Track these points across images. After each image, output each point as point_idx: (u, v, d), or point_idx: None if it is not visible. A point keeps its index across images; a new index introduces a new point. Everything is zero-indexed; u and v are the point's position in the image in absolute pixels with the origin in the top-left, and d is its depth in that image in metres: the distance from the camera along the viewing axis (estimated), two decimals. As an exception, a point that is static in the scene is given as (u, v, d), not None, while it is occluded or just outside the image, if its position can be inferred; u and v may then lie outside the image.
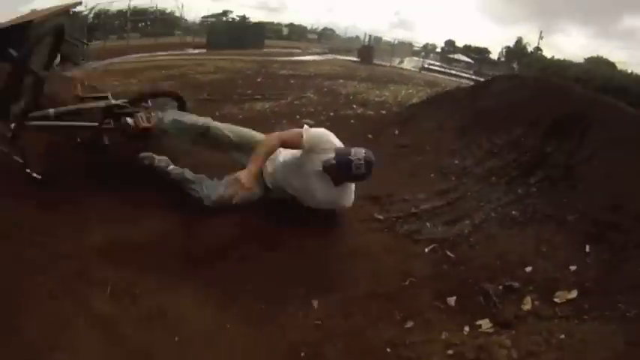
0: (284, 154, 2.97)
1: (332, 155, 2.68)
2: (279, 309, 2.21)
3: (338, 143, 2.84)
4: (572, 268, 2.41)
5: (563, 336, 1.89)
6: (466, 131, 4.28)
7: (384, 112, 6.38)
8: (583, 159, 3.20)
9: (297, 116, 6.19)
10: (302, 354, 1.93)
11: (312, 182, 2.82)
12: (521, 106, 4.14)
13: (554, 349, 1.83)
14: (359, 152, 2.63)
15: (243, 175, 2.54)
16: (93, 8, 32.80)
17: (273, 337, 2.04)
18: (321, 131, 2.91)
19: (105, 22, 35.28)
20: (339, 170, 2.68)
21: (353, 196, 2.95)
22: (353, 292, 2.36)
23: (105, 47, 26.87)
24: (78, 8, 26.82)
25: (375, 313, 2.19)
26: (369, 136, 4.84)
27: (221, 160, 3.33)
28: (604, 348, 1.81)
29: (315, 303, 2.25)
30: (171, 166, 3.08)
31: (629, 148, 3.05)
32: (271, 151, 2.79)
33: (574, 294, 2.22)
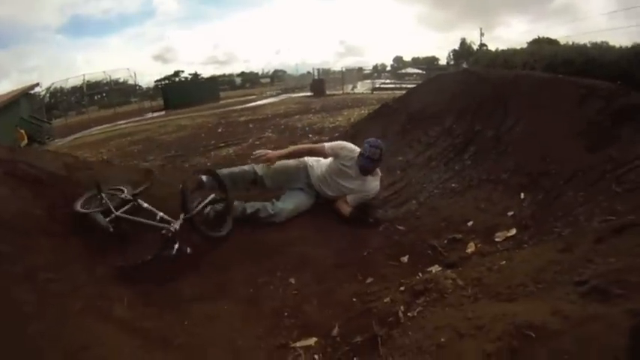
0: (323, 167, 3.54)
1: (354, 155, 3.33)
2: (264, 289, 2.46)
3: (355, 148, 3.38)
4: (510, 213, 2.70)
5: (504, 262, 2.09)
6: (405, 132, 4.66)
7: (337, 134, 6.75)
8: (508, 128, 3.60)
9: None
10: (285, 314, 2.18)
11: (344, 179, 3.37)
12: (450, 99, 4.61)
13: (496, 272, 2.02)
14: (372, 141, 3.27)
15: (271, 153, 3.41)
16: (49, 88, 33.28)
17: (261, 308, 2.28)
18: (340, 142, 3.57)
19: (62, 100, 36.49)
20: (362, 159, 3.25)
21: (378, 185, 3.41)
22: (322, 267, 2.59)
23: (67, 124, 27.40)
24: (34, 89, 27.17)
25: (342, 278, 2.42)
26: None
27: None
28: (539, 260, 2.03)
29: (292, 280, 2.49)
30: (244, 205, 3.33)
31: (546, 107, 3.48)
32: (298, 151, 3.59)
33: (513, 232, 2.48)
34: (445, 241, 2.55)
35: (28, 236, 2.68)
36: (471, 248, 2.42)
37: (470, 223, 2.71)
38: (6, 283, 2.21)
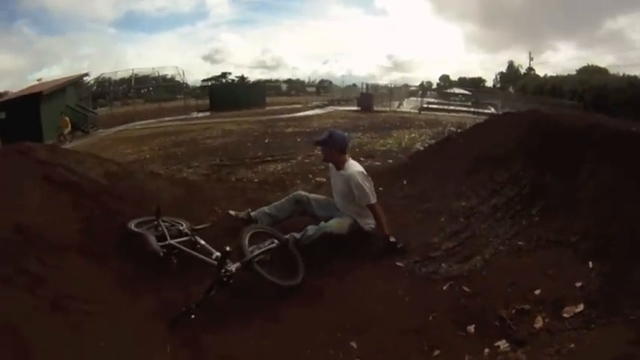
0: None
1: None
2: (321, 353, 2.57)
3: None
4: (578, 284, 2.79)
5: (572, 345, 2.23)
6: (469, 173, 4.78)
7: (390, 161, 6.92)
8: (580, 183, 3.65)
9: (310, 175, 6.81)
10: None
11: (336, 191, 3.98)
12: (518, 141, 4.67)
13: (565, 356, 2.18)
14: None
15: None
16: (97, 78, 36.04)
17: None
18: None
19: (109, 90, 39.18)
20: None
21: (357, 170, 3.84)
22: (387, 331, 2.74)
23: (112, 114, 29.51)
24: (83, 79, 28.93)
25: (408, 347, 2.56)
26: (380, 188, 5.30)
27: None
28: (610, 350, 2.15)
29: (353, 343, 2.62)
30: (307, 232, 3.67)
31: (622, 165, 3.50)
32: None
33: (581, 307, 2.58)
34: (513, 311, 2.69)
35: (61, 254, 2.57)
36: (539, 323, 2.54)
37: (537, 292, 2.82)
38: (25, 312, 1.98)
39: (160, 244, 2.94)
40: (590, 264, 2.90)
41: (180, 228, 3.30)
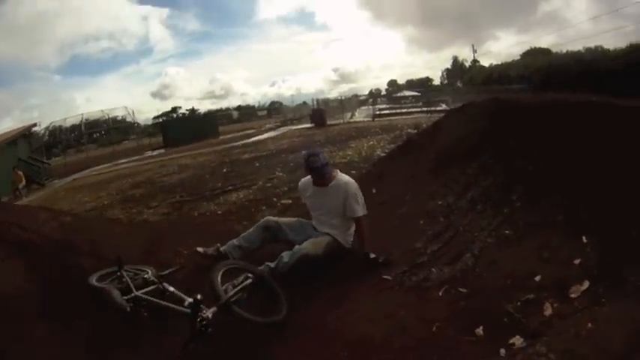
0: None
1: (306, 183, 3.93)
2: None
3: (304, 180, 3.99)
4: (577, 261, 2.70)
5: (590, 324, 2.10)
6: (438, 171, 4.71)
7: (354, 172, 6.82)
8: (553, 162, 3.63)
9: (274, 199, 6.68)
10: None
11: (316, 208, 3.87)
12: (482, 132, 4.66)
13: (586, 339, 2.04)
14: (308, 151, 3.82)
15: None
16: (48, 127, 35.67)
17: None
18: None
19: (61, 139, 38.76)
20: (310, 173, 3.78)
21: (349, 183, 3.76)
22: (389, 351, 2.54)
23: (66, 163, 28.93)
24: (33, 129, 28.20)
25: None
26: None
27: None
28: (629, 322, 2.04)
29: None
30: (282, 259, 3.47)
31: (590, 136, 3.51)
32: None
33: (586, 284, 2.48)
34: (518, 304, 2.55)
35: (19, 321, 2.42)
36: (548, 310, 2.42)
37: (537, 278, 2.71)
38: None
39: (125, 297, 2.71)
40: (584, 239, 2.83)
41: (146, 276, 3.07)
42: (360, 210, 3.68)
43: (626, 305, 2.15)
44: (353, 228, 3.78)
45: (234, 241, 3.80)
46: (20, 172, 18.18)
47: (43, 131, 33.70)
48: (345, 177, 3.82)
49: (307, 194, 3.94)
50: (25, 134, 25.02)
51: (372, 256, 3.55)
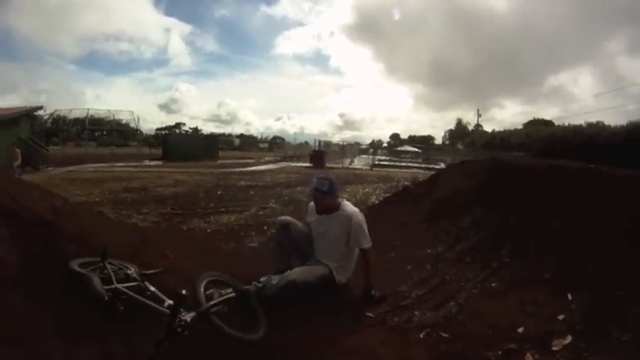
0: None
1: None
2: None
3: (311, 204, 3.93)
4: (561, 317, 2.75)
5: (570, 377, 2.13)
6: (431, 221, 4.81)
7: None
8: (545, 223, 3.74)
9: (265, 227, 6.69)
10: None
11: (319, 236, 3.75)
12: (478, 188, 4.81)
13: (565, 392, 2.06)
14: (320, 175, 3.79)
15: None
16: (52, 114, 35.37)
17: None
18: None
19: (63, 129, 39.07)
20: (312, 194, 3.71)
21: (353, 212, 3.71)
22: None
23: (64, 154, 28.99)
24: (38, 112, 28.03)
25: None
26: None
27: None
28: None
29: None
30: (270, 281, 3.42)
31: (584, 201, 3.66)
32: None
33: (569, 339, 2.52)
34: (499, 352, 2.57)
35: None
36: (529, 360, 2.45)
37: (520, 330, 2.74)
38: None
39: (106, 287, 2.65)
40: (570, 296, 2.89)
41: (129, 272, 3.01)
42: (365, 242, 3.63)
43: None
44: (353, 263, 3.74)
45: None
46: (18, 150, 17.89)
47: (47, 117, 33.65)
48: (350, 207, 3.78)
49: (311, 220, 3.88)
50: (29, 114, 25.05)
51: (374, 292, 3.56)
